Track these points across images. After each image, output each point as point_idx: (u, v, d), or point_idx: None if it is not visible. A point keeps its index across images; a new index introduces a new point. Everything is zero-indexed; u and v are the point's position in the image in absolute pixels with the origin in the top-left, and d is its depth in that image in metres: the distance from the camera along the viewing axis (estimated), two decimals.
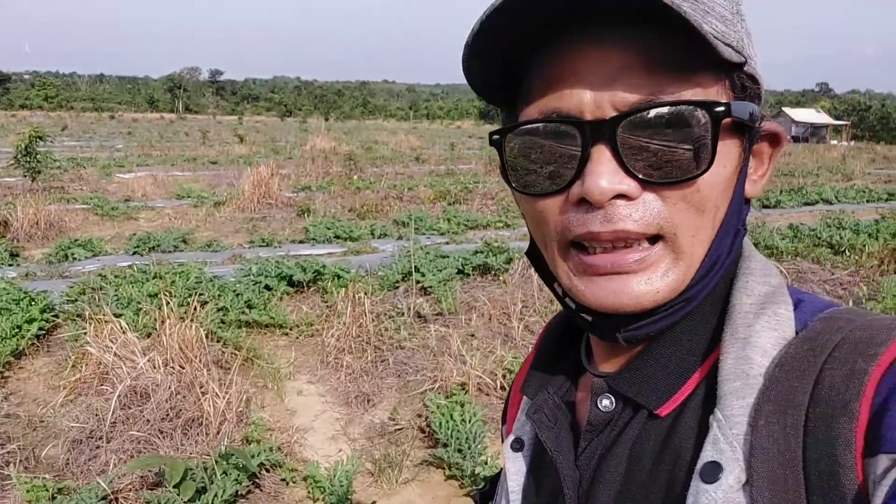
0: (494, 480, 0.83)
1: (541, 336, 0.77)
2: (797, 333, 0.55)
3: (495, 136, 0.59)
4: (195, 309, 4.94)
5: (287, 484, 3.41)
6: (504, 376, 4.39)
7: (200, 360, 4.24)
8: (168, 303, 4.77)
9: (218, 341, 4.89)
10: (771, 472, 0.48)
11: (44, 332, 5.10)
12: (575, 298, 0.59)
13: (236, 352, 4.79)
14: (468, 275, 6.85)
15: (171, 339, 4.21)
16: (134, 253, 8.02)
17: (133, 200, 12.37)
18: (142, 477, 3.21)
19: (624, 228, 0.52)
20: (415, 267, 6.52)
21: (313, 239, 8.95)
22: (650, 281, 0.54)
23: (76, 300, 5.62)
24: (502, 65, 0.57)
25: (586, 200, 0.53)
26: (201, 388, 3.96)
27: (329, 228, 9.25)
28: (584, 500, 0.61)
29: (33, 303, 5.34)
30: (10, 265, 7.43)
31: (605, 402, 0.61)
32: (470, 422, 3.72)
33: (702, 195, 0.53)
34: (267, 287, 6.27)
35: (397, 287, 6.38)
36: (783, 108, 76.05)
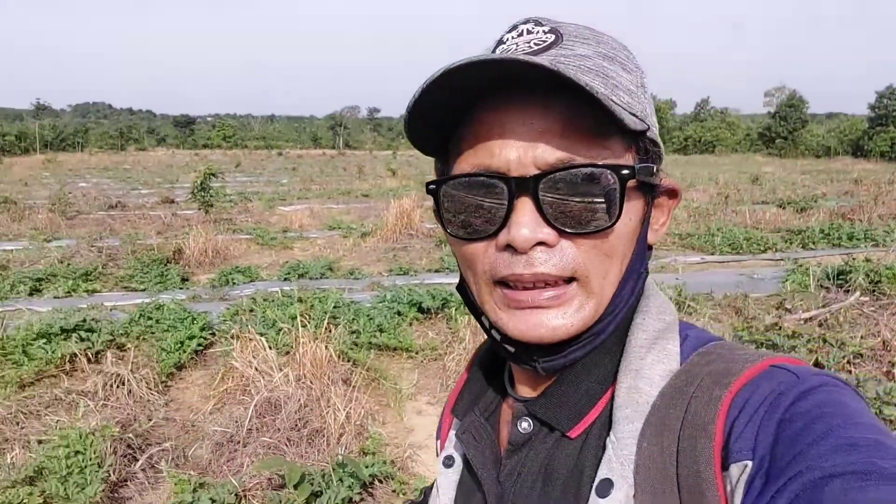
0: (428, 491, 0.88)
1: (471, 360, 0.83)
2: (681, 366, 0.63)
3: (431, 186, 0.67)
4: (328, 330, 5.37)
5: (397, 495, 3.66)
6: None
7: (329, 377, 4.62)
8: (305, 325, 5.23)
9: (348, 361, 5.27)
10: (651, 486, 0.57)
11: (202, 347, 5.73)
12: (500, 329, 0.65)
13: (364, 371, 5.15)
14: None
15: (304, 357, 4.63)
16: (285, 279, 8.74)
17: (290, 231, 13.37)
18: (269, 479, 3.57)
19: (543, 272, 0.60)
20: None
21: (447, 268, 9.30)
22: (565, 315, 0.62)
23: (229, 320, 6.26)
24: (438, 121, 0.64)
25: (511, 246, 0.60)
26: (328, 402, 4.33)
27: None
28: None
29: (194, 322, 6.02)
30: (181, 288, 8.36)
31: (524, 425, 0.69)
32: None
33: (610, 244, 0.62)
34: (398, 313, 6.64)
35: None
36: None
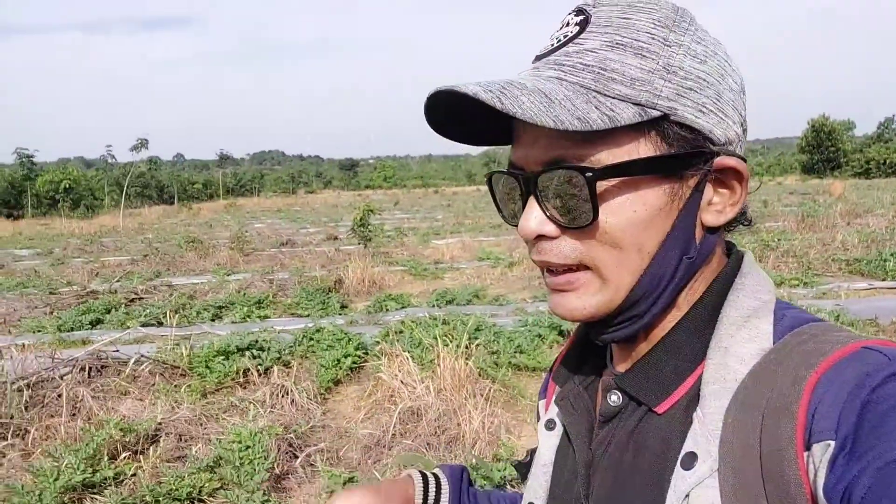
0: (533, 452, 0.90)
1: (576, 331, 0.85)
2: (774, 345, 0.63)
3: (487, 178, 0.74)
4: (468, 349, 5.70)
5: None
6: None
7: (468, 391, 4.92)
8: (447, 343, 5.59)
9: (487, 377, 5.56)
10: (734, 462, 0.58)
11: (356, 365, 6.25)
12: None
13: (501, 388, 5.41)
14: None
15: (444, 371, 4.98)
16: (434, 305, 9.21)
17: (442, 263, 13.96)
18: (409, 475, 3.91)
19: (547, 259, 0.66)
20: None
21: None
22: (580, 299, 0.66)
23: (381, 341, 6.76)
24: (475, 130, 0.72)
25: None
26: (465, 412, 4.63)
27: None
28: (592, 478, 0.72)
29: (350, 342, 6.58)
30: (340, 314, 9.07)
31: (614, 398, 0.71)
32: None
33: (612, 236, 0.63)
34: (539, 335, 6.86)
35: None
36: None
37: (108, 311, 9.39)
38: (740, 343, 0.63)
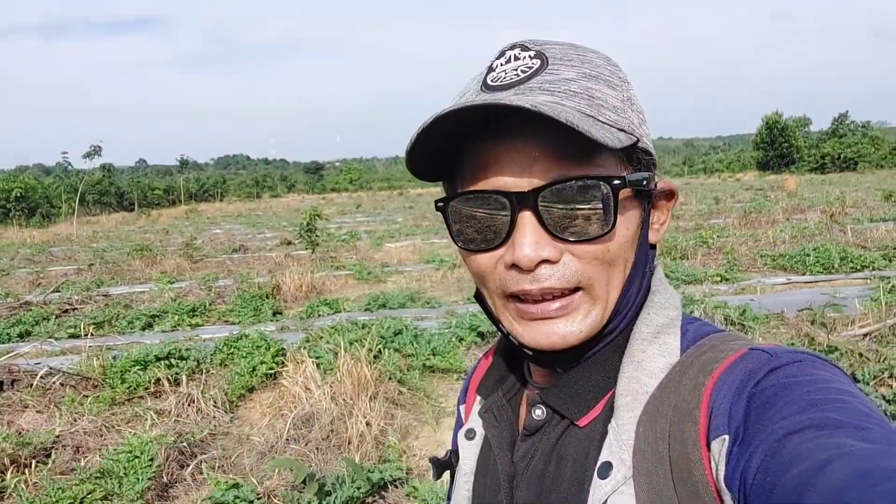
0: (453, 455, 0.90)
1: (496, 344, 0.89)
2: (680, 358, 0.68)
3: (440, 204, 0.72)
4: (380, 352, 5.79)
5: (409, 498, 3.98)
6: None
7: (369, 394, 5.02)
8: (356, 348, 5.68)
9: (397, 381, 5.66)
10: (647, 468, 0.61)
11: (272, 371, 6.31)
12: (516, 340, 0.71)
13: (409, 390, 5.52)
14: None
15: (344, 377, 5.06)
16: (366, 310, 9.29)
17: (389, 266, 14.03)
18: (293, 486, 4.00)
19: (549, 286, 0.65)
20: None
21: None
22: (573, 323, 0.67)
23: (302, 347, 6.83)
24: (438, 156, 0.70)
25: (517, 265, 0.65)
26: (364, 416, 4.72)
27: None
28: (515, 491, 0.74)
29: (269, 349, 6.63)
30: (272, 320, 9.10)
31: (538, 412, 0.74)
32: None
33: (612, 253, 0.66)
34: (459, 338, 6.98)
35: None
36: None
37: (38, 323, 9.32)
38: (651, 358, 0.68)
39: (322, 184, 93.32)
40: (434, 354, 6.41)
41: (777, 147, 65.32)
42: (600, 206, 0.64)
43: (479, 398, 0.86)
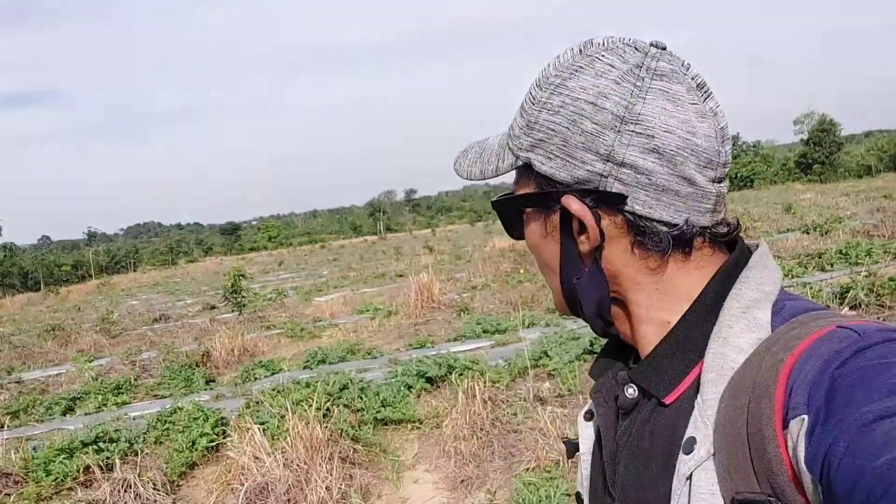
0: None
1: None
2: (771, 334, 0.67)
3: None
4: (329, 411, 5.50)
5: None
6: None
7: (322, 457, 4.72)
8: (304, 409, 5.37)
9: (351, 439, 5.37)
10: (727, 444, 0.61)
11: (213, 444, 5.89)
12: None
13: (364, 447, 5.23)
14: (597, 353, 6.85)
15: (296, 441, 4.75)
16: (305, 367, 8.92)
17: (322, 320, 13.64)
18: None
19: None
20: (544, 351, 6.67)
21: (463, 336, 9.39)
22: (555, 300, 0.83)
23: (244, 414, 6.43)
24: None
25: None
26: (323, 480, 4.42)
27: (479, 324, 9.66)
28: (617, 467, 0.77)
29: (207, 420, 6.21)
30: (205, 389, 8.61)
31: (630, 391, 0.77)
32: (554, 496, 3.80)
33: (534, 256, 0.82)
34: (408, 386, 6.73)
35: (526, 373, 6.56)
36: None
37: None
38: (738, 333, 0.67)
39: (240, 244, 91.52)
40: (384, 406, 6.14)
41: None
42: (505, 216, 0.82)
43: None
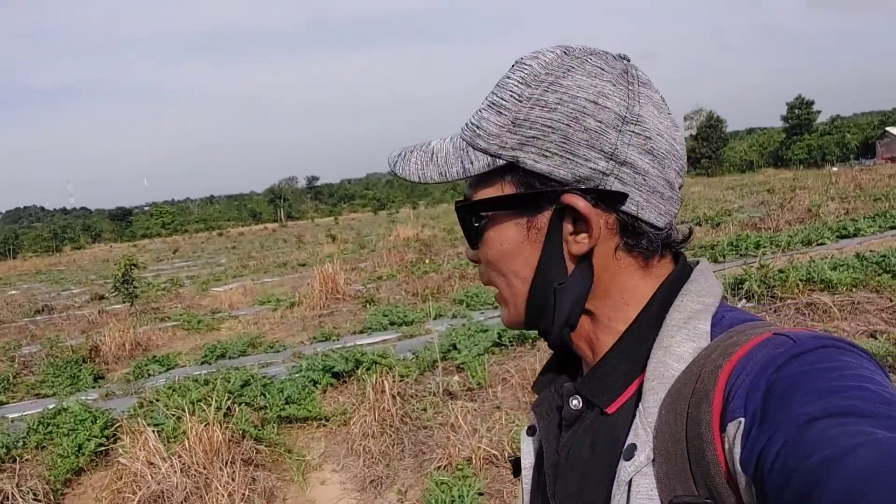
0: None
1: None
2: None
3: None
4: (229, 410, 5.24)
5: None
6: (515, 446, 4.37)
7: (223, 460, 4.48)
8: (202, 409, 5.09)
9: (253, 439, 5.13)
10: (666, 450, 0.63)
11: (103, 448, 5.51)
12: None
13: (268, 447, 5.01)
14: (506, 346, 6.88)
15: (195, 445, 4.49)
16: (203, 363, 8.53)
17: (220, 311, 13.12)
18: None
19: (481, 280, 0.81)
20: (452, 344, 6.62)
21: (370, 328, 9.23)
22: (502, 312, 0.80)
23: (136, 415, 6.05)
24: None
25: None
26: (224, 486, 4.19)
27: (386, 316, 9.53)
28: (558, 479, 0.77)
29: (96, 422, 5.80)
30: (93, 387, 8.07)
31: (574, 402, 0.77)
32: (467, 496, 3.74)
33: (493, 265, 0.77)
34: (313, 381, 6.52)
35: (435, 366, 6.49)
36: (887, 129, 71.87)
37: None
38: (679, 343, 0.68)
39: (131, 230, 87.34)
40: (288, 403, 5.91)
41: None
42: (464, 223, 0.77)
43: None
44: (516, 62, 0.75)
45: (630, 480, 0.64)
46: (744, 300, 6.85)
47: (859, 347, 0.61)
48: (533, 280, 0.74)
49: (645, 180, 0.70)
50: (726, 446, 0.57)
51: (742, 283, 7.40)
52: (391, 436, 4.92)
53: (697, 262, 0.79)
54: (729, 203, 22.16)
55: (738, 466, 0.55)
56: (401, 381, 5.74)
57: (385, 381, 5.48)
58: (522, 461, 0.89)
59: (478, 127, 0.73)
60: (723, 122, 72.22)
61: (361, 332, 9.29)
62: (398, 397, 5.39)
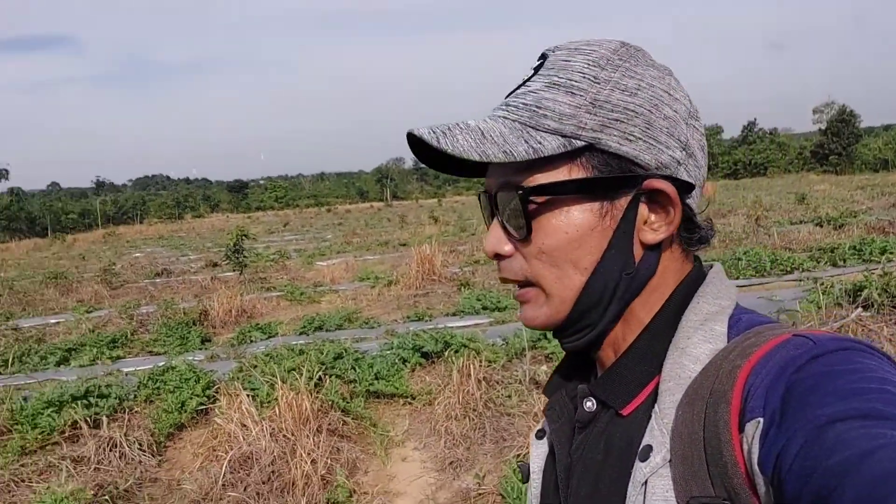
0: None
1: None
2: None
3: (478, 195, 0.82)
4: (320, 380, 5.43)
5: None
6: None
7: (311, 428, 4.65)
8: (295, 378, 5.30)
9: (341, 411, 5.30)
10: (683, 451, 0.63)
11: (203, 407, 5.83)
12: None
13: (355, 420, 5.16)
14: None
15: (284, 411, 4.68)
16: (301, 333, 8.86)
17: (322, 285, 13.56)
18: None
19: (504, 276, 0.76)
20: (543, 334, 6.57)
21: (462, 311, 9.30)
22: (532, 310, 0.75)
23: (235, 378, 6.37)
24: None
25: None
26: (308, 454, 4.35)
27: (479, 300, 9.56)
28: (570, 482, 0.77)
29: (199, 382, 6.14)
30: (200, 349, 8.56)
31: (588, 404, 0.77)
32: None
33: (549, 255, 0.71)
34: (403, 359, 6.65)
35: (523, 354, 6.46)
36: None
37: None
38: (695, 344, 0.68)
39: (247, 202, 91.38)
40: (378, 379, 6.06)
41: None
42: (517, 212, 0.71)
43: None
44: (570, 48, 0.73)
45: (646, 481, 0.64)
46: (860, 309, 6.41)
47: (881, 351, 0.60)
48: (594, 270, 0.71)
49: (699, 174, 0.74)
50: (744, 447, 0.57)
51: (861, 290, 6.92)
52: (473, 420, 4.95)
53: (711, 266, 0.78)
54: (856, 204, 20.77)
55: (755, 467, 0.55)
56: (488, 366, 5.76)
57: (472, 365, 5.51)
58: (531, 465, 0.88)
59: (538, 107, 0.70)
60: (856, 116, 67.50)
61: (454, 314, 9.37)
62: (484, 382, 5.41)
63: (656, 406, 0.67)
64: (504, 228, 0.74)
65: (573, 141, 0.69)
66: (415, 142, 0.73)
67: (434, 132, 0.70)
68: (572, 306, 0.73)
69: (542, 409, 0.94)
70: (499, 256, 0.75)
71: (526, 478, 0.91)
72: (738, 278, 9.92)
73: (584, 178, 0.70)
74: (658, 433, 0.65)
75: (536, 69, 0.74)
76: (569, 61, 0.72)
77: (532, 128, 0.69)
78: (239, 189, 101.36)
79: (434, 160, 0.79)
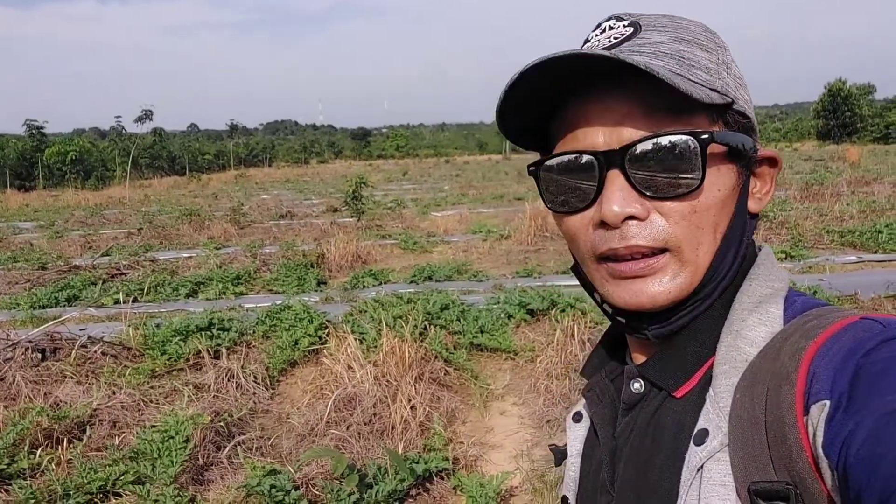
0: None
1: (607, 329, 0.88)
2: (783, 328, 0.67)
3: (532, 168, 0.75)
4: (425, 329, 5.53)
5: (455, 492, 3.72)
6: None
7: (413, 376, 4.77)
8: (401, 325, 5.43)
9: (444, 360, 5.40)
10: (742, 434, 0.61)
11: (314, 347, 6.10)
12: (607, 300, 0.72)
13: (457, 371, 5.25)
14: None
15: (388, 356, 4.81)
16: (411, 282, 9.04)
17: (435, 236, 13.74)
18: (333, 476, 3.77)
19: (636, 244, 0.65)
20: None
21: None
22: (662, 283, 0.66)
23: (346, 321, 6.61)
24: (530, 121, 0.73)
25: (605, 222, 0.66)
26: (409, 400, 4.47)
27: None
28: (617, 465, 0.74)
29: (312, 322, 6.42)
30: (316, 290, 8.93)
31: (636, 385, 0.75)
32: None
33: (699, 215, 0.66)
34: (508, 315, 6.66)
35: None
36: None
37: (85, 288, 9.32)
38: (751, 327, 0.66)
39: (369, 150, 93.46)
40: (482, 332, 6.12)
41: (839, 116, 62.34)
42: (688, 161, 0.64)
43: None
44: (663, 15, 0.71)
45: (702, 466, 0.62)
46: None
47: None
48: (724, 236, 0.68)
49: None
50: (810, 429, 0.55)
51: None
52: (574, 380, 4.91)
53: (760, 248, 0.76)
54: None
55: (820, 451, 0.53)
56: (593, 327, 5.66)
57: (576, 325, 5.45)
58: (570, 448, 0.84)
59: (683, 58, 0.66)
60: None
61: (563, 272, 9.24)
62: (587, 343, 5.34)
63: (711, 389, 0.65)
64: (634, 187, 0.65)
65: (723, 95, 0.66)
66: (526, 80, 0.65)
67: (614, 50, 0.65)
68: (702, 276, 0.68)
69: (580, 390, 0.90)
70: (628, 220, 0.65)
71: (559, 461, 0.89)
72: (876, 252, 9.20)
73: (740, 137, 0.67)
74: (714, 416, 0.63)
75: (634, 27, 0.69)
76: (680, 22, 0.69)
77: (683, 76, 0.64)
78: (362, 136, 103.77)
79: (510, 125, 0.73)
